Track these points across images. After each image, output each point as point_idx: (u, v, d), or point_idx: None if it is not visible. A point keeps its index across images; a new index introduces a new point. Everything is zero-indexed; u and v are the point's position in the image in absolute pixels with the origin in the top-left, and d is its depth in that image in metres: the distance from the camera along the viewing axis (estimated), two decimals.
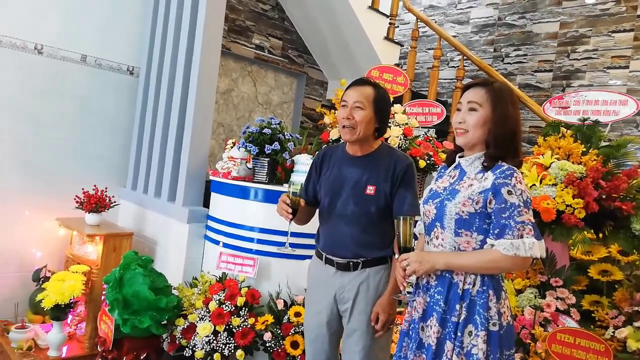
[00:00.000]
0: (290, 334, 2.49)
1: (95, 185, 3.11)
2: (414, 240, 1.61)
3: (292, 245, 1.98)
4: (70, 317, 2.94)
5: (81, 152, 3.43)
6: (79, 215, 3.11)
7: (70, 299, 2.64)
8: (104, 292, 2.58)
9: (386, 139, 2.83)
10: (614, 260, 2.47)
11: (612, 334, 2.14)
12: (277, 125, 2.84)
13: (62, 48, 3.29)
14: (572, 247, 2.44)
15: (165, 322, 2.54)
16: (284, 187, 2.26)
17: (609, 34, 4.10)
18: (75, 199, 3.04)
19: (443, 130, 3.93)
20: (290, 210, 1.81)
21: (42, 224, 3.26)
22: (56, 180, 3.31)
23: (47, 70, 3.25)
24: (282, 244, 2.34)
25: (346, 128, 1.83)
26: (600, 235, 2.38)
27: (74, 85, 3.37)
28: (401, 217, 1.56)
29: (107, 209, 3.09)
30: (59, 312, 2.68)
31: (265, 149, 2.76)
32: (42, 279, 2.98)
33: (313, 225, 2.10)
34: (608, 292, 2.36)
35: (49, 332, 2.78)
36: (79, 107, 3.40)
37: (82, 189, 3.07)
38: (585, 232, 2.24)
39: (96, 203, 3.02)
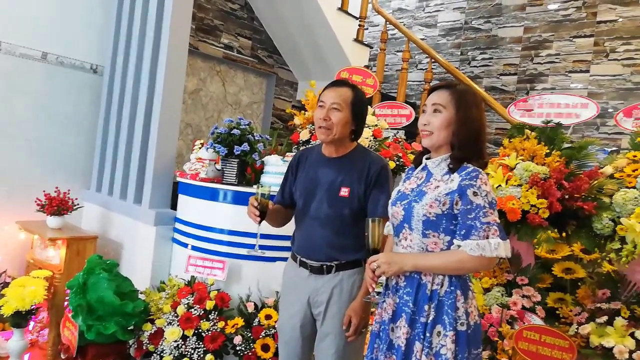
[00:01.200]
0: (260, 336, 2.46)
1: (57, 188, 3.01)
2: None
3: (263, 247, 1.96)
4: (32, 323, 2.83)
5: (43, 153, 3.31)
6: (40, 218, 3.00)
7: (32, 305, 2.53)
8: (67, 298, 2.49)
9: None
10: (576, 259, 2.54)
11: (575, 330, 2.20)
12: (247, 126, 2.81)
13: (21, 45, 3.17)
14: (536, 246, 2.50)
15: (131, 327, 2.48)
16: (254, 189, 2.24)
17: (571, 39, 4.24)
18: (36, 201, 2.93)
19: (412, 131, 3.98)
20: (258, 212, 1.79)
21: (1, 228, 3.13)
22: (16, 182, 3.18)
23: (5, 68, 3.12)
24: (252, 247, 2.31)
25: (322, 129, 1.82)
26: (564, 234, 2.44)
27: (34, 83, 3.25)
28: (370, 219, 1.57)
29: (70, 212, 2.99)
30: (20, 319, 2.58)
31: (235, 150, 2.72)
32: (2, 285, 2.86)
33: (285, 227, 2.09)
34: (572, 290, 2.43)
35: (9, 339, 2.67)
36: (40, 107, 3.28)
37: (44, 191, 2.97)
38: (549, 232, 2.30)
39: (58, 205, 2.92)
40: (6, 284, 2.78)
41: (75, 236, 2.88)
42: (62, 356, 2.47)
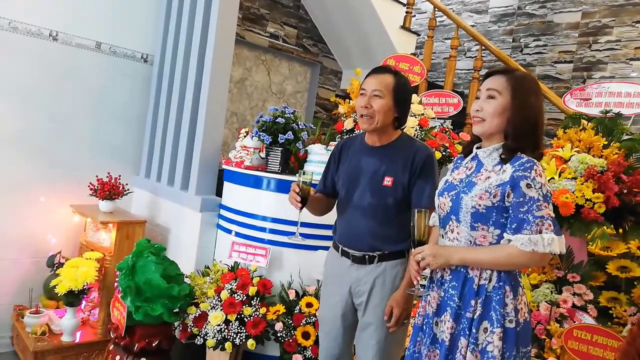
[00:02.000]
0: (301, 324, 2.48)
1: (108, 173, 3.12)
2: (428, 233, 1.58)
3: (304, 235, 1.96)
4: (83, 303, 2.96)
5: (95, 139, 3.44)
6: (92, 202, 3.13)
7: (84, 286, 2.66)
8: (117, 279, 2.59)
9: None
10: (633, 257, 2.42)
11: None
12: (291, 115, 2.82)
13: (76, 35, 3.29)
14: (590, 242, 2.39)
15: (177, 310, 2.55)
16: (297, 176, 2.25)
17: (633, 24, 3.98)
18: (89, 186, 3.05)
19: (459, 121, 3.87)
20: (299, 198, 1.78)
21: (56, 211, 3.28)
22: (70, 167, 3.33)
23: (62, 57, 3.25)
24: (293, 234, 2.32)
25: (364, 117, 1.79)
26: (620, 230, 2.32)
27: (88, 72, 3.37)
28: (416, 210, 1.53)
29: (121, 197, 3.10)
30: (73, 298, 2.71)
31: (279, 139, 2.73)
32: (56, 265, 3.01)
33: (327, 216, 2.08)
34: (626, 289, 2.31)
35: (62, 317, 2.81)
36: (93, 95, 3.41)
37: (96, 176, 3.09)
38: (605, 227, 2.19)
39: (110, 190, 3.03)
40: (61, 265, 2.92)
41: (125, 220, 2.98)
42: (112, 335, 2.56)
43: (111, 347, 2.55)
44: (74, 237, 3.31)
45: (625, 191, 2.17)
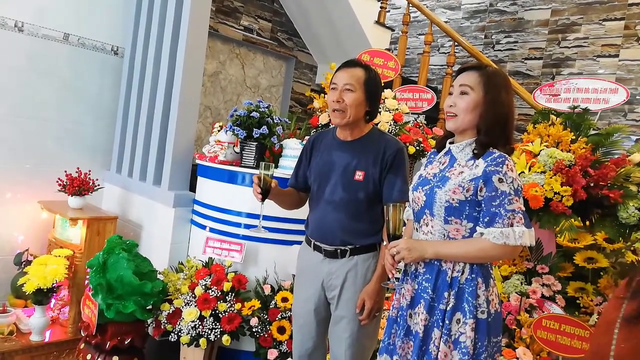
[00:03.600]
0: (277, 319, 2.48)
1: (78, 168, 3.04)
2: (403, 226, 1.59)
3: (268, 228, 1.94)
4: (53, 301, 2.89)
5: (64, 133, 3.35)
6: (61, 198, 3.05)
7: (53, 283, 2.59)
8: (87, 277, 2.53)
9: (376, 124, 2.81)
10: (599, 248, 2.49)
11: (596, 320, 2.16)
12: (266, 109, 2.79)
13: (43, 26, 3.19)
14: (558, 235, 2.45)
15: (150, 307, 2.51)
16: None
17: (600, 22, 4.10)
18: (57, 181, 2.97)
19: (433, 116, 3.91)
20: (259, 190, 1.77)
21: (23, 207, 3.19)
22: (38, 162, 3.23)
23: (28, 49, 3.15)
24: (270, 229, 2.31)
25: (336, 112, 1.79)
26: (587, 223, 2.39)
27: (56, 64, 3.27)
28: (391, 204, 1.54)
29: (91, 192, 3.03)
30: (41, 297, 2.63)
31: (253, 133, 2.71)
32: (24, 263, 2.92)
33: (303, 211, 2.08)
34: (593, 279, 2.38)
35: (31, 316, 2.73)
36: (62, 88, 3.31)
37: (65, 171, 3.00)
38: (573, 220, 2.25)
39: (79, 186, 2.96)
40: (28, 262, 2.84)
41: (95, 216, 2.92)
42: (82, 333, 2.51)
43: (82, 345, 2.50)
44: (42, 234, 3.22)
45: (592, 184, 2.23)
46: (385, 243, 1.60)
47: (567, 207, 2.22)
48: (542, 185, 2.27)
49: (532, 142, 2.49)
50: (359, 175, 1.79)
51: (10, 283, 3.01)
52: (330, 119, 2.89)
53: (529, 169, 2.39)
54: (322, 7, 4.28)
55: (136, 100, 3.38)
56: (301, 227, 2.58)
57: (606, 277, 2.35)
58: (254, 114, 2.73)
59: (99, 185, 3.10)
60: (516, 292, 2.32)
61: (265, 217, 2.61)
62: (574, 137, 2.42)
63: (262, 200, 1.80)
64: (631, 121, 3.87)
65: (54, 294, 2.72)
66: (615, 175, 2.25)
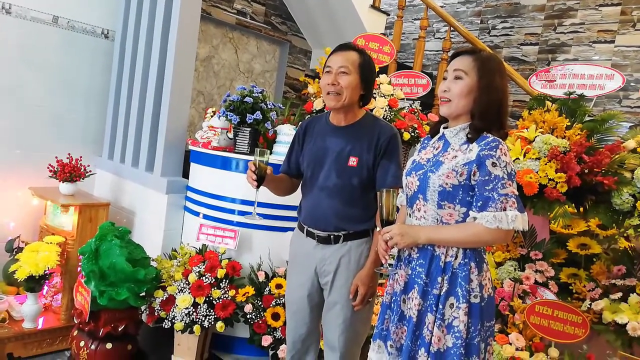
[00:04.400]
0: (271, 305, 2.48)
1: (69, 154, 3.00)
2: (396, 212, 1.58)
3: (262, 215, 1.92)
4: (45, 288, 2.87)
5: (54, 118, 3.30)
6: (53, 184, 3.01)
7: (45, 270, 2.57)
8: (80, 264, 2.51)
9: (371, 110, 2.78)
10: (592, 234, 2.50)
11: (588, 306, 2.18)
12: (259, 94, 2.76)
13: (32, 8, 3.12)
14: (552, 221, 2.46)
15: (143, 294, 2.50)
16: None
17: (597, 7, 4.06)
18: (48, 167, 2.94)
19: (428, 102, 3.89)
20: (254, 177, 1.75)
21: (14, 194, 3.15)
22: (29, 148, 3.19)
23: (17, 32, 3.08)
24: (264, 216, 2.29)
25: (331, 94, 1.77)
26: (581, 209, 2.39)
27: (45, 48, 3.21)
28: (384, 190, 1.53)
29: (82, 179, 2.99)
30: (34, 284, 2.62)
31: (247, 119, 2.68)
32: (16, 250, 2.89)
33: (297, 197, 2.06)
34: (586, 265, 2.40)
35: (23, 303, 2.71)
36: (51, 72, 3.25)
37: (56, 157, 2.96)
38: (567, 206, 2.25)
39: (70, 172, 2.92)
40: (20, 249, 2.81)
41: (87, 203, 2.89)
42: (75, 320, 2.50)
43: (75, 332, 2.49)
44: (34, 220, 3.19)
45: (586, 171, 2.23)
46: (378, 229, 1.59)
47: (561, 194, 2.22)
48: (537, 172, 2.27)
49: (527, 129, 2.48)
50: (352, 161, 1.77)
51: (1, 270, 2.99)
52: (325, 105, 2.86)
53: (524, 156, 2.38)
54: None
55: (128, 85, 3.33)
56: (295, 213, 2.58)
57: (599, 264, 2.36)
58: (247, 99, 2.70)
59: (90, 171, 3.06)
60: (510, 278, 2.33)
61: (259, 204, 2.60)
62: (569, 124, 2.42)
63: (257, 187, 1.78)
64: (626, 107, 3.87)
65: (46, 281, 2.71)
66: (609, 161, 2.25)
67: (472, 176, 1.43)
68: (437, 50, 4.96)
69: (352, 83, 1.75)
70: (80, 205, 2.83)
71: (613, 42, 3.97)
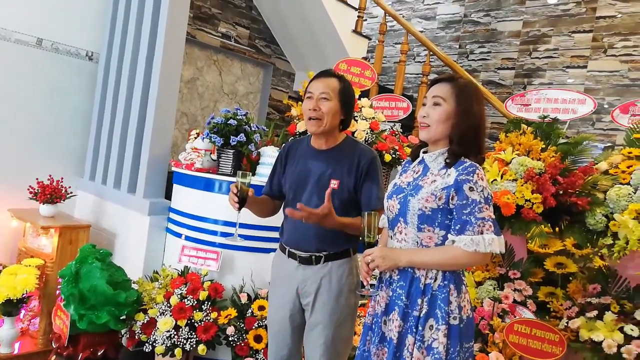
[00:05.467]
0: (253, 327, 2.47)
1: (50, 175, 2.98)
2: (378, 235, 1.61)
3: (244, 237, 1.94)
4: (22, 312, 2.82)
5: (36, 139, 3.28)
6: (32, 206, 2.98)
7: (23, 294, 2.53)
8: (59, 287, 2.48)
9: (353, 133, 2.83)
10: (568, 253, 2.56)
11: (565, 324, 2.21)
12: (244, 117, 2.79)
13: (16, 30, 3.13)
14: (529, 241, 2.51)
15: (124, 317, 2.48)
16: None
17: (569, 34, 4.23)
18: (29, 189, 2.91)
19: (408, 125, 3.97)
20: (236, 199, 1.78)
21: None
22: (7, 169, 3.16)
23: (0, 54, 3.08)
24: (247, 237, 2.30)
25: (312, 120, 1.81)
26: (557, 229, 2.45)
27: (29, 70, 3.21)
28: (366, 213, 1.56)
29: (63, 200, 2.97)
30: (11, 307, 2.57)
31: (231, 141, 2.70)
32: None
33: (279, 218, 2.08)
34: (563, 284, 2.44)
35: None
36: (35, 93, 3.25)
37: (37, 178, 2.94)
38: (543, 226, 2.31)
39: (51, 194, 2.90)
40: None
41: (68, 225, 2.87)
42: (54, 345, 2.46)
43: (53, 357, 2.45)
44: (12, 242, 3.14)
45: (561, 192, 2.29)
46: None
47: (537, 214, 2.27)
48: (514, 193, 2.32)
49: (504, 151, 2.55)
50: (334, 183, 1.81)
51: None
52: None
53: (501, 177, 2.44)
54: (299, 14, 4.31)
55: (111, 106, 3.34)
56: (277, 234, 2.59)
57: (575, 282, 2.41)
58: (231, 121, 2.73)
59: (71, 192, 3.05)
60: (489, 298, 2.37)
61: (242, 225, 2.61)
62: (544, 146, 2.49)
63: (239, 209, 1.81)
64: (599, 130, 4.00)
65: (24, 304, 2.66)
66: (583, 183, 2.32)
67: (450, 200, 1.47)
68: (417, 74, 5.08)
69: (333, 109, 1.80)
70: (60, 227, 2.81)
71: (586, 67, 4.12)
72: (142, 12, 3.15)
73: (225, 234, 2.68)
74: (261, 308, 2.52)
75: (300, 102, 3.08)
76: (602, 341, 2.05)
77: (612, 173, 2.37)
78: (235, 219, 2.64)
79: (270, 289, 2.02)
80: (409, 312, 1.51)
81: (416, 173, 1.60)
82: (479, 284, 2.49)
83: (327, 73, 1.87)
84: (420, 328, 1.47)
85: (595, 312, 2.17)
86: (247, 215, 1.98)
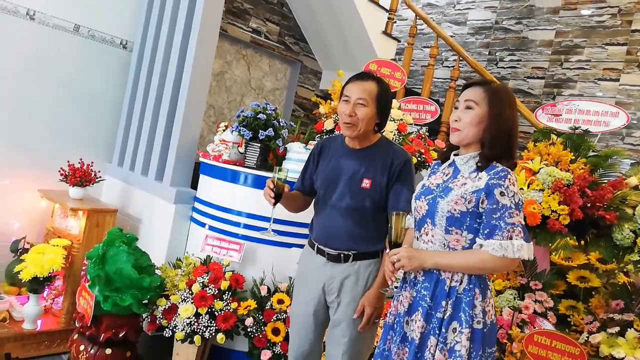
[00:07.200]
0: (272, 320, 2.49)
1: (81, 159, 3.05)
2: (404, 235, 1.62)
3: (278, 232, 1.97)
4: (46, 291, 2.89)
5: (68, 124, 3.36)
6: (61, 188, 3.06)
7: (50, 273, 2.60)
8: (84, 268, 2.54)
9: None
10: (592, 268, 2.53)
11: (586, 338, 2.19)
12: (273, 112, 2.82)
13: (55, 15, 3.21)
14: (553, 252, 2.49)
15: (146, 301, 2.52)
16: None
17: (603, 46, 4.17)
18: (59, 171, 2.98)
19: (435, 128, 3.95)
20: (273, 194, 1.80)
21: (23, 195, 3.19)
22: (40, 150, 3.24)
23: (38, 38, 3.16)
24: (266, 229, 2.31)
25: (347, 124, 1.81)
26: (582, 242, 2.43)
27: (65, 55, 3.29)
28: (394, 213, 1.57)
29: (92, 184, 3.04)
30: (37, 285, 2.64)
31: (259, 135, 2.73)
32: (21, 251, 2.92)
33: (302, 214, 2.10)
34: (585, 298, 2.42)
35: (24, 304, 2.73)
36: (69, 78, 3.33)
37: (68, 161, 3.01)
38: (568, 239, 2.29)
39: (81, 177, 2.97)
40: (25, 250, 2.84)
41: (95, 208, 2.93)
42: (77, 324, 2.51)
43: (75, 336, 2.50)
44: (39, 222, 3.22)
45: (589, 205, 2.27)
46: (387, 250, 1.63)
47: (563, 226, 2.25)
48: (540, 203, 2.31)
49: (532, 160, 2.53)
50: (366, 183, 1.82)
51: (5, 270, 3.00)
52: (335, 125, 2.92)
53: (528, 186, 2.42)
54: (330, 13, 4.33)
55: (142, 95, 3.40)
56: (300, 229, 2.61)
57: (597, 297, 2.39)
58: (260, 115, 2.76)
59: (100, 177, 3.11)
60: (509, 307, 2.35)
61: (266, 218, 2.64)
62: (573, 158, 2.47)
63: (274, 204, 1.82)
64: (628, 145, 3.93)
65: (49, 283, 2.73)
66: (612, 197, 2.29)
67: (480, 204, 1.48)
68: (445, 78, 5.06)
69: (369, 115, 1.80)
70: (88, 210, 2.87)
71: (618, 80, 4.06)
72: (178, 4, 3.20)
73: (248, 226, 2.72)
74: (280, 302, 2.55)
75: (328, 101, 3.10)
76: (623, 358, 2.02)
77: None
78: (260, 211, 2.70)
79: (295, 284, 2.04)
80: (432, 314, 1.51)
81: (446, 175, 1.61)
82: (499, 292, 2.48)
83: (366, 76, 1.85)
84: (443, 330, 1.48)
85: (617, 329, 2.15)
86: (267, 208, 2.00)
